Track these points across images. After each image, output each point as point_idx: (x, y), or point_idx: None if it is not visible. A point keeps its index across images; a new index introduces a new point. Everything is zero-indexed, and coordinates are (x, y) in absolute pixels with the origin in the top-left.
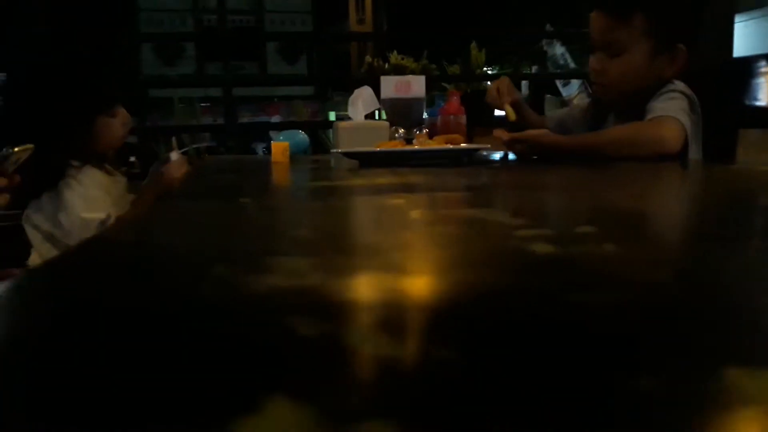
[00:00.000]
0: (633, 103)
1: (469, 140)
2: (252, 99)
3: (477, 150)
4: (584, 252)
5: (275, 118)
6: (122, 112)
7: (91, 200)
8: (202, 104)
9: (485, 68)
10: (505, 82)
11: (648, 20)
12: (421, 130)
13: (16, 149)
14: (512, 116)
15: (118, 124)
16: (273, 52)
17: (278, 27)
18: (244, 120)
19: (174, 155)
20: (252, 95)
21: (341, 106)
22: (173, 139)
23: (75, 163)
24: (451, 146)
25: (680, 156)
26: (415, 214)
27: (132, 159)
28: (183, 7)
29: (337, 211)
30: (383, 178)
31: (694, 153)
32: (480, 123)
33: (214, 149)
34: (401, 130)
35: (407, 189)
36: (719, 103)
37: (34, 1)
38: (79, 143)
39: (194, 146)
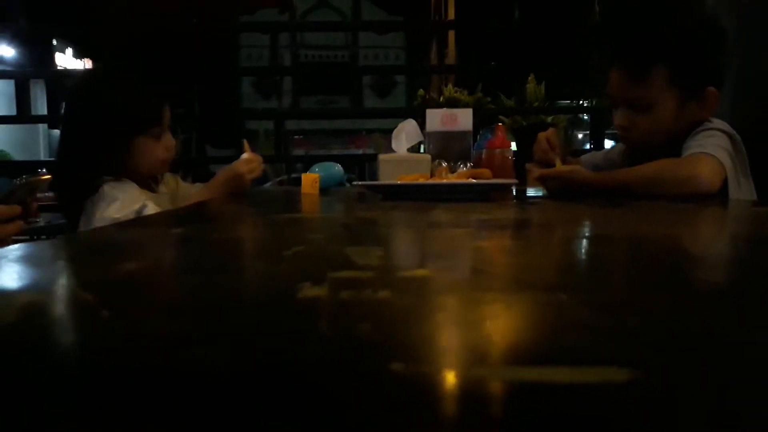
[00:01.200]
0: (669, 147)
1: (521, 176)
2: (344, 132)
3: (499, 185)
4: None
5: (364, 150)
6: (167, 137)
7: (126, 201)
8: (295, 136)
9: (581, 101)
10: (553, 134)
11: (670, 72)
12: (466, 165)
13: (31, 178)
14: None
15: (160, 148)
16: (366, 87)
17: (372, 61)
18: (335, 152)
19: (246, 155)
20: (344, 128)
21: None
22: (245, 141)
23: (108, 178)
24: (473, 181)
25: (719, 195)
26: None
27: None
28: (282, 43)
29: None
30: (378, 211)
31: (743, 192)
32: (534, 158)
33: (293, 180)
34: (444, 164)
35: (371, 223)
36: None
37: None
38: (113, 162)
39: (277, 179)
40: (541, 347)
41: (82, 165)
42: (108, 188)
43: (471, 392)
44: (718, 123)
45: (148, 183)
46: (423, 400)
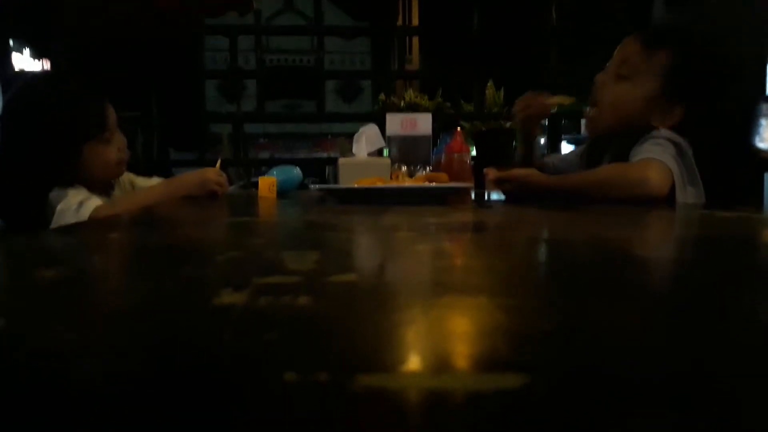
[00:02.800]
0: (622, 146)
1: (479, 180)
2: (310, 136)
3: (453, 189)
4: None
5: (330, 154)
6: (116, 137)
7: (71, 197)
8: (261, 140)
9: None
10: (528, 95)
11: (668, 61)
12: (425, 168)
13: None
14: (566, 100)
15: (111, 151)
16: (332, 91)
17: (338, 66)
18: (301, 155)
19: (217, 169)
20: (310, 132)
21: None
22: (219, 159)
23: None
24: (428, 185)
25: (667, 199)
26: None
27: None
28: (247, 47)
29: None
30: (330, 214)
31: (689, 199)
32: (493, 163)
33: (254, 183)
34: (403, 168)
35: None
36: (748, 145)
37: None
38: (65, 170)
39: (240, 183)
40: (445, 353)
41: (29, 173)
42: (54, 194)
43: (359, 400)
44: (665, 132)
45: (105, 189)
46: (313, 409)
